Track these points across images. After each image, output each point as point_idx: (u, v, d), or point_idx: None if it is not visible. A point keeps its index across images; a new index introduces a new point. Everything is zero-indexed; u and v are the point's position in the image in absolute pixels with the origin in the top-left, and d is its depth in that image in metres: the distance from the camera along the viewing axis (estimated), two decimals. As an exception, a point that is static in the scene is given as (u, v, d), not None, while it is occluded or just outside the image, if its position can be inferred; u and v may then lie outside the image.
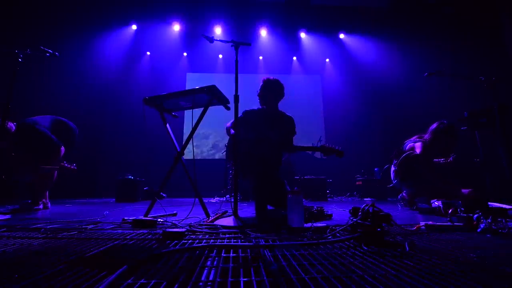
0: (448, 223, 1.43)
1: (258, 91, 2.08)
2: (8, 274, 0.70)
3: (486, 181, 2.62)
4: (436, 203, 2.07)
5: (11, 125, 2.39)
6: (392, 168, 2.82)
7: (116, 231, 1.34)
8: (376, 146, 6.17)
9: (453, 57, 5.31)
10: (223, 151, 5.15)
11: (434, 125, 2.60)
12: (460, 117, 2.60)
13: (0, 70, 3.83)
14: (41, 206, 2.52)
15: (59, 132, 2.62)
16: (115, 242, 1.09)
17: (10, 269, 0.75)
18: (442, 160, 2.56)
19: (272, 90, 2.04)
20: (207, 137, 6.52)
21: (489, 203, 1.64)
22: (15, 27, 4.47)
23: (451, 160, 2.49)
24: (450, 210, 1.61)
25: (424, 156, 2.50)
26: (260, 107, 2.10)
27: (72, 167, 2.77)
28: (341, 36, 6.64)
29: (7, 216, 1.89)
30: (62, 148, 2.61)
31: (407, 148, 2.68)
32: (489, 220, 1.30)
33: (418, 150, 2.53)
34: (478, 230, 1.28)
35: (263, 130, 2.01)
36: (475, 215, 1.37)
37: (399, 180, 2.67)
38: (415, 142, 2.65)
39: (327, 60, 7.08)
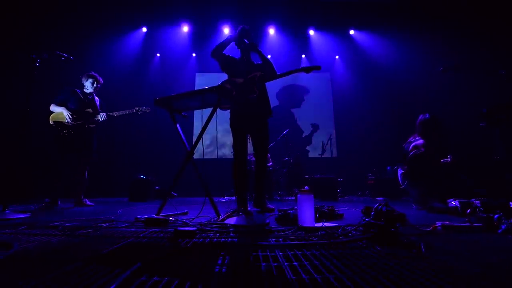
0: (467, 224, 1.37)
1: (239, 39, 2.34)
2: (30, 270, 0.73)
3: (506, 179, 2.50)
4: (453, 202, 1.99)
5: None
6: (399, 171, 2.79)
7: (129, 229, 1.38)
8: (389, 144, 6.01)
9: (470, 51, 5.09)
10: (232, 150, 5.17)
11: (418, 118, 2.69)
12: (479, 113, 2.49)
13: (18, 73, 4.00)
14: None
15: None
16: (129, 240, 1.12)
17: (32, 265, 0.78)
18: (442, 161, 2.54)
19: (248, 36, 2.33)
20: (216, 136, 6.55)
21: (510, 203, 1.56)
22: (32, 32, 4.65)
23: (449, 161, 2.46)
24: (468, 210, 1.54)
25: (428, 152, 2.51)
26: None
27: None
28: (351, 32, 6.50)
29: (27, 215, 1.98)
30: None
31: (411, 148, 2.68)
32: (511, 221, 1.24)
33: (422, 149, 2.54)
34: (499, 231, 1.22)
35: (248, 69, 2.32)
36: (496, 215, 1.31)
37: (409, 181, 2.63)
38: (416, 141, 2.67)
39: (337, 57, 6.96)
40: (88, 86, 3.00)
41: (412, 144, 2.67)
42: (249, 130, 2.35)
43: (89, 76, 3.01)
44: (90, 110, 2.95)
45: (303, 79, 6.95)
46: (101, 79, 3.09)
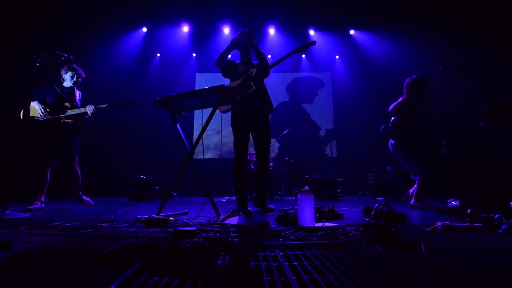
0: (467, 224, 1.37)
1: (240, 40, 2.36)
2: (30, 270, 0.73)
3: (506, 180, 2.50)
4: (453, 202, 1.99)
5: None
6: (390, 142, 2.95)
7: (129, 229, 1.37)
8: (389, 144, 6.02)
9: (469, 51, 5.09)
10: (232, 151, 5.19)
11: (406, 81, 2.78)
12: (479, 113, 2.49)
13: (18, 73, 4.00)
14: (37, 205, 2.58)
15: None
16: (129, 240, 1.12)
17: (32, 265, 0.78)
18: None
19: (248, 38, 2.33)
20: (216, 136, 6.56)
21: (511, 203, 1.56)
22: (32, 32, 4.65)
23: (445, 153, 2.52)
24: (469, 210, 1.54)
25: (398, 109, 2.64)
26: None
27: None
28: (351, 32, 6.51)
29: (27, 215, 1.98)
30: None
31: (393, 106, 2.78)
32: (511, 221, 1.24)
33: (392, 105, 2.67)
34: (500, 231, 1.22)
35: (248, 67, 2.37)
36: (496, 215, 1.31)
37: (394, 143, 2.79)
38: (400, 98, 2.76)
39: (337, 57, 6.96)
40: (68, 79, 2.84)
41: (395, 102, 2.73)
42: (249, 128, 2.34)
43: (69, 69, 2.84)
44: (68, 104, 2.77)
45: (302, 79, 6.95)
46: (82, 73, 2.92)
